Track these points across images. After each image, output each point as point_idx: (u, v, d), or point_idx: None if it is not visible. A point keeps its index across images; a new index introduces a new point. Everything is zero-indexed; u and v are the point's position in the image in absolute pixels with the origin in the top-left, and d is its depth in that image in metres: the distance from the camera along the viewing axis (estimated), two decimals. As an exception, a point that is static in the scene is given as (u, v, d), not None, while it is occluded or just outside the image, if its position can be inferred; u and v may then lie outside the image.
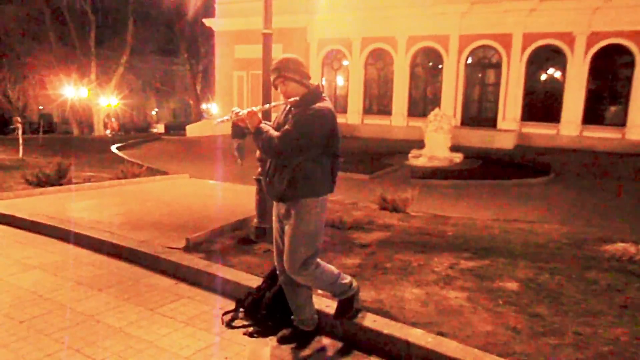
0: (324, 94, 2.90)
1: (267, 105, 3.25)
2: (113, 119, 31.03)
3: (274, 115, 3.20)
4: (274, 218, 3.04)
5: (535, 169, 13.69)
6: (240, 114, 2.82)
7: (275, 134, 2.78)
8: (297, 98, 2.84)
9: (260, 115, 2.87)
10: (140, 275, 4.15)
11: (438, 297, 3.51)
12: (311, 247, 2.85)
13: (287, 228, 2.88)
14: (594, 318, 3.19)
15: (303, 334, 3.07)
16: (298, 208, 2.82)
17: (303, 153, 2.76)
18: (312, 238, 2.86)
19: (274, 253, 3.10)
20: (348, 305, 3.07)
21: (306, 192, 2.80)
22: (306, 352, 2.97)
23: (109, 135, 28.76)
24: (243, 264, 4.15)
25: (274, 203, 3.01)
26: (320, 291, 3.33)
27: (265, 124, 2.88)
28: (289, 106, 2.91)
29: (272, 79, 2.92)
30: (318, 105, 2.79)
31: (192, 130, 25.63)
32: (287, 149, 2.74)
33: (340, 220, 5.50)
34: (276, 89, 2.96)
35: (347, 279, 3.08)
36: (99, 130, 31.28)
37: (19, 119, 13.14)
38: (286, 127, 2.78)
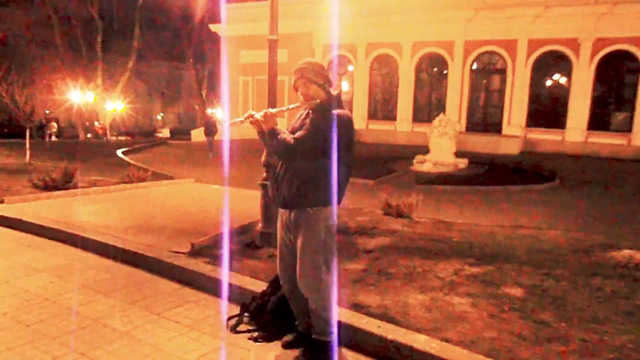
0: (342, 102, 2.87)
1: (284, 108, 3.10)
2: (96, 123, 30.97)
3: (281, 121, 3.19)
4: (279, 226, 2.96)
5: (541, 174, 13.66)
6: (256, 115, 2.77)
7: (291, 136, 2.72)
8: (317, 101, 2.80)
9: (276, 117, 2.82)
10: (145, 279, 4.17)
11: (442, 302, 3.51)
12: (326, 252, 2.79)
13: (298, 242, 2.81)
14: (599, 325, 3.17)
15: (318, 344, 2.88)
16: (306, 219, 2.76)
17: (317, 158, 2.69)
18: (326, 244, 2.78)
19: (278, 261, 3.02)
20: (322, 350, 2.86)
21: (314, 200, 2.73)
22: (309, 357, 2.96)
23: (90, 139, 28.41)
24: (248, 268, 4.16)
25: (280, 210, 2.94)
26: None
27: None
28: (306, 111, 2.86)
29: (293, 80, 2.87)
30: (339, 111, 2.74)
31: (198, 134, 25.76)
32: (303, 151, 2.68)
33: (345, 226, 5.51)
34: (296, 90, 2.89)
35: (335, 327, 2.91)
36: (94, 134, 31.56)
37: (54, 124, 13.31)
38: (304, 129, 2.73)
